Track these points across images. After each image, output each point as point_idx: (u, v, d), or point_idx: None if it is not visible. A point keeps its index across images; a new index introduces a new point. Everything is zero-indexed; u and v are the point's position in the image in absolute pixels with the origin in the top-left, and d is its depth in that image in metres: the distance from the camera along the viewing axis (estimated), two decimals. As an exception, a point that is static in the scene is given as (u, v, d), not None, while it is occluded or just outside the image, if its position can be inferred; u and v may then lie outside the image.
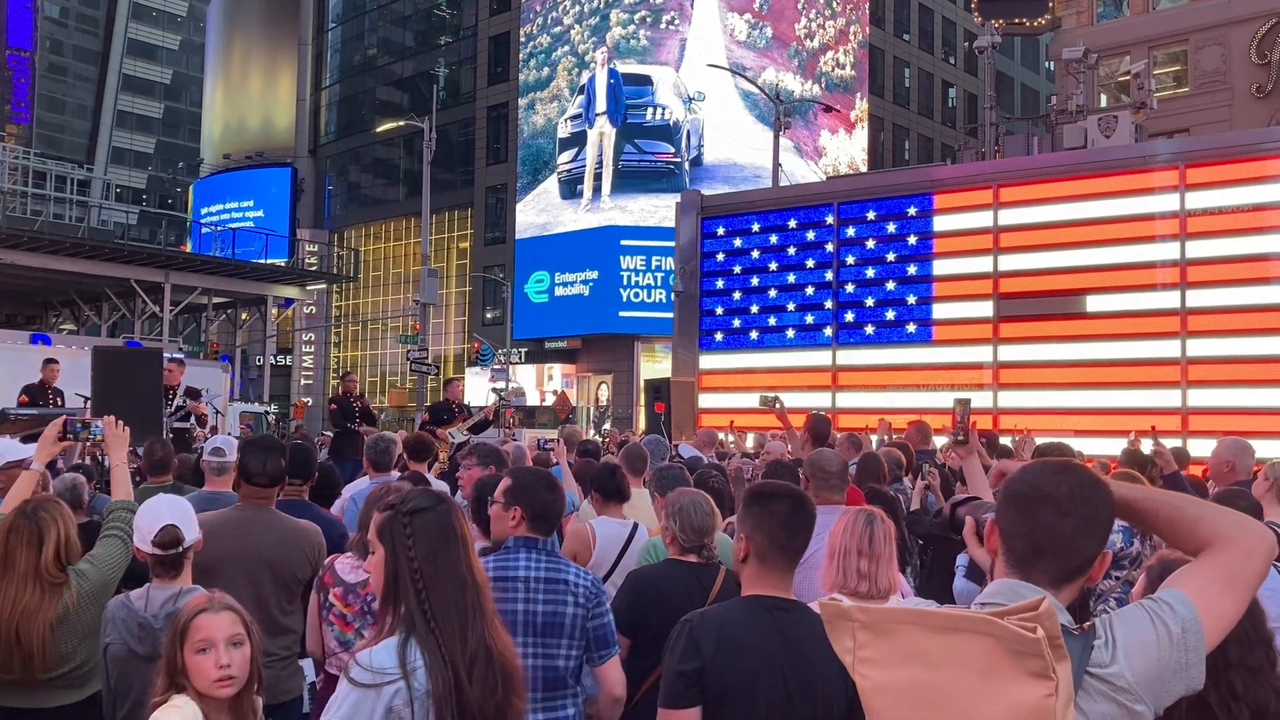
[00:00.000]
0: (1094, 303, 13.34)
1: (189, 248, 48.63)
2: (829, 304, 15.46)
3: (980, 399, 13.83)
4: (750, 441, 12.53)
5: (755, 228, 16.38)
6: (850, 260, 15.38)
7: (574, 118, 41.99)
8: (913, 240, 14.83)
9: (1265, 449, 9.61)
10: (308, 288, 47.13)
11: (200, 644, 2.77)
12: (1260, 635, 2.23)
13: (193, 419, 11.53)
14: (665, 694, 2.91)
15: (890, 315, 14.91)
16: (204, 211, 57.03)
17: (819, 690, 2.91)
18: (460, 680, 2.35)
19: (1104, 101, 29.96)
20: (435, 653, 2.36)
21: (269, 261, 42.57)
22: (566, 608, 3.56)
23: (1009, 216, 14.06)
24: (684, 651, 2.89)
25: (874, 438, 10.28)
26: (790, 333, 15.83)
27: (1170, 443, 10.75)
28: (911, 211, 14.89)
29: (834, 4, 44.10)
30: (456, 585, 2.46)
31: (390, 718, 2.31)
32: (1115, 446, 9.87)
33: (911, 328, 14.71)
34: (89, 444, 4.39)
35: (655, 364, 37.25)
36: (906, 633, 1.85)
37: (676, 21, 41.06)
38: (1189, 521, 2.01)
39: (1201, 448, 11.31)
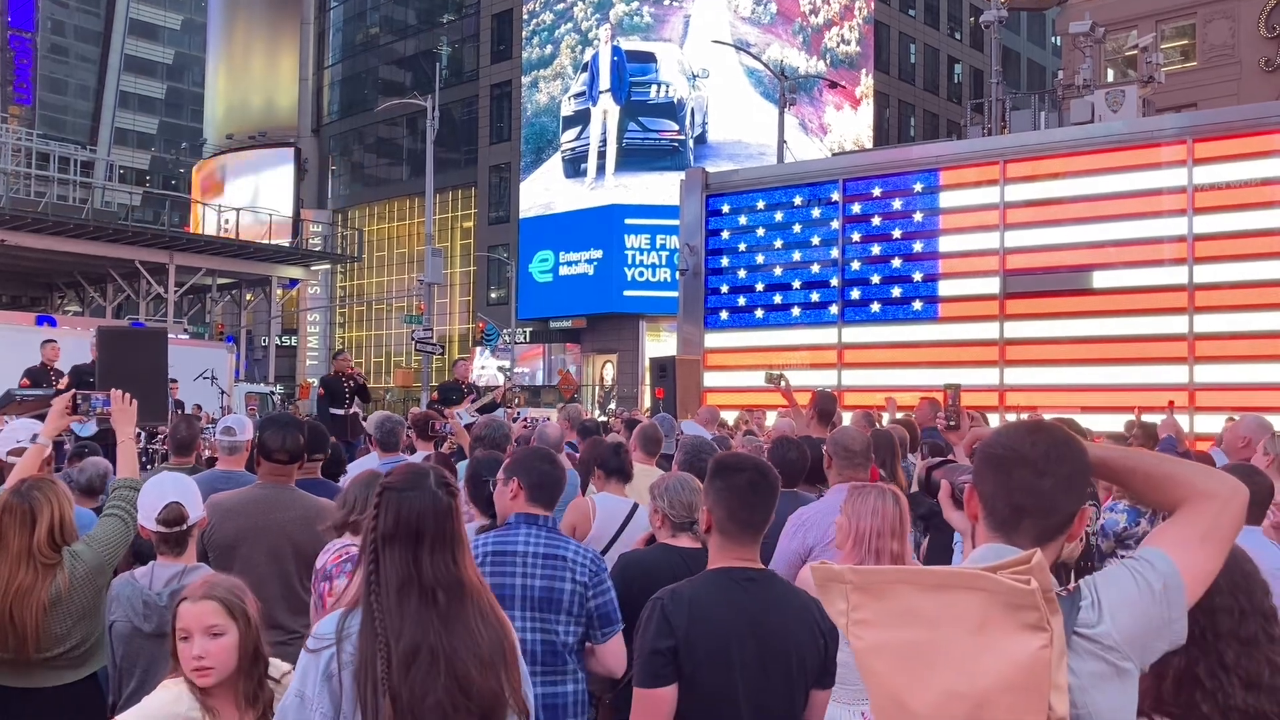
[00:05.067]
0: (1101, 279, 13.27)
1: (198, 226, 48.54)
2: (834, 281, 15.40)
3: (986, 376, 13.80)
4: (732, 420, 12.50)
5: (760, 205, 16.31)
6: (856, 237, 15.31)
7: (577, 95, 41.82)
8: (918, 217, 14.75)
9: (1273, 424, 9.57)
10: (312, 268, 47.19)
11: (181, 632, 2.78)
12: (1255, 607, 2.21)
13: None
14: (640, 673, 2.90)
15: (896, 292, 14.85)
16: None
17: (792, 657, 2.94)
18: (391, 663, 2.34)
19: (1111, 76, 29.77)
20: (370, 626, 2.38)
21: (273, 242, 42.57)
22: (564, 583, 3.56)
23: (1015, 192, 13.98)
24: (657, 629, 2.89)
25: (885, 415, 10.26)
26: (796, 310, 15.77)
27: (1179, 419, 10.77)
28: (917, 188, 14.81)
29: (839, -21, 43.83)
30: (405, 569, 2.42)
31: (331, 682, 2.36)
32: (1122, 423, 9.83)
33: (917, 305, 14.65)
34: (93, 416, 4.34)
35: (660, 343, 37.23)
36: (899, 592, 1.86)
37: (680, -2, 40.84)
38: (1164, 479, 2.04)
39: (1209, 423, 11.31)
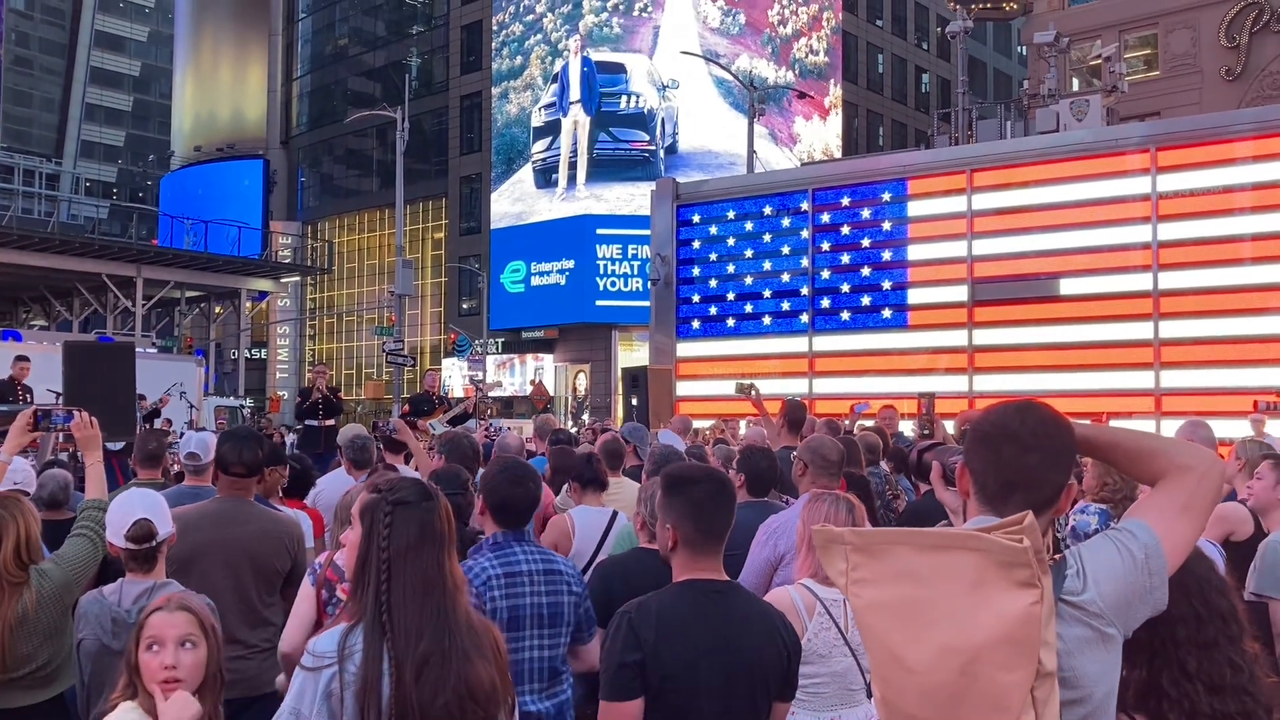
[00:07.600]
0: (1068, 286, 13.39)
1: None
2: (805, 290, 15.47)
3: (956, 384, 13.89)
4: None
5: (730, 215, 16.36)
6: (825, 246, 15.39)
7: (548, 106, 41.82)
8: (887, 226, 14.84)
9: (1237, 429, 9.70)
10: (281, 280, 46.87)
11: (149, 641, 2.72)
12: (1211, 610, 2.24)
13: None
14: (607, 686, 2.90)
15: (865, 301, 14.93)
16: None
17: (756, 669, 2.96)
18: (403, 678, 2.35)
19: (1075, 85, 30.09)
20: (376, 646, 2.37)
21: (241, 255, 42.29)
22: (564, 597, 3.63)
23: (982, 201, 14.10)
24: (625, 643, 2.89)
25: (852, 423, 10.34)
26: (766, 319, 15.83)
27: (1146, 424, 10.90)
28: (886, 197, 14.90)
29: (807, -10, 44.09)
30: (421, 585, 2.44)
31: (331, 701, 2.35)
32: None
33: (887, 313, 14.74)
34: (54, 432, 4.25)
35: (633, 353, 37.24)
36: (897, 552, 1.93)
37: (649, 9, 40.94)
38: (1146, 454, 2.15)
39: (1175, 428, 11.43)
